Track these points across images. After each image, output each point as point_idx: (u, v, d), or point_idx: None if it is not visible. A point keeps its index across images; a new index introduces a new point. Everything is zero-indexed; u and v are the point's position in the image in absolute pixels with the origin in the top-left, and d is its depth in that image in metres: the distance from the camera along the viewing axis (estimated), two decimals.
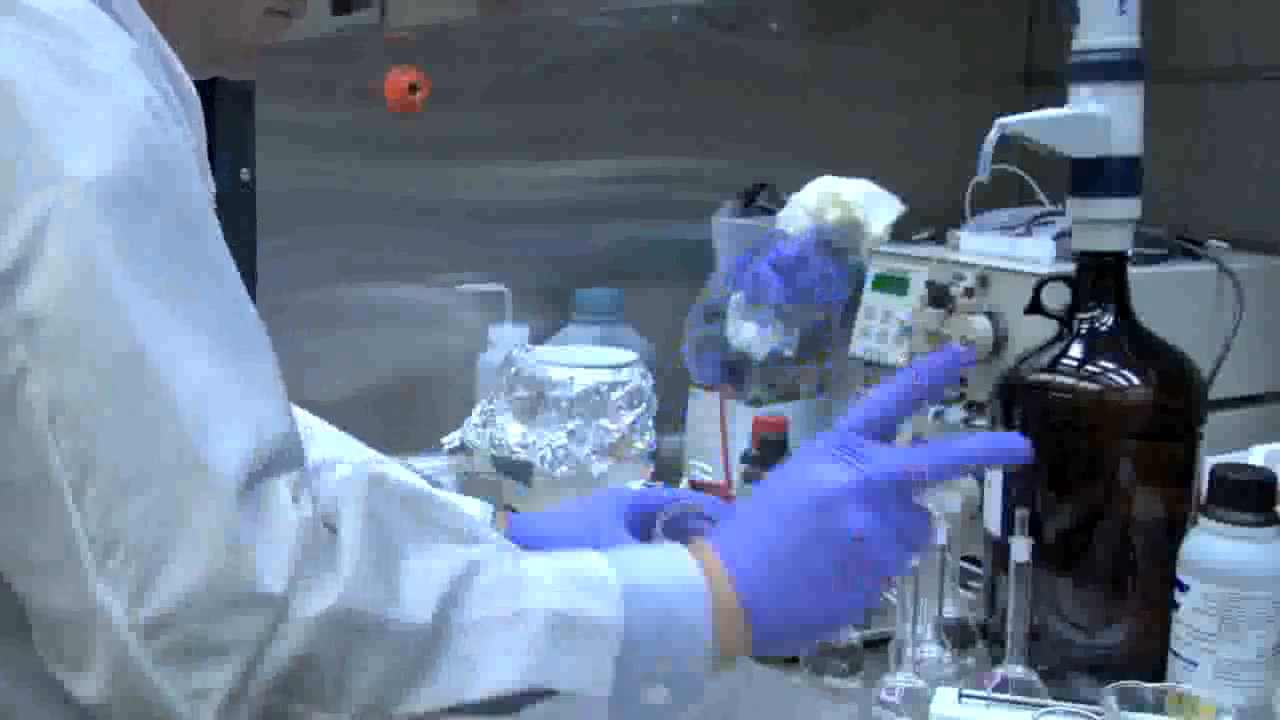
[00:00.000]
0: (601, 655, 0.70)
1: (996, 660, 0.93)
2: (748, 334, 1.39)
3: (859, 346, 1.38)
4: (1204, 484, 0.92)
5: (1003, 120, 0.98)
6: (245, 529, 0.63)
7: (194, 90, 0.77)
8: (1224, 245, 1.34)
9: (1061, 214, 1.26)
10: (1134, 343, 0.99)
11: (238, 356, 0.67)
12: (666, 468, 1.42)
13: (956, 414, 1.24)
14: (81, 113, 0.65)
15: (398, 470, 0.76)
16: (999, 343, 1.20)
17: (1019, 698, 0.87)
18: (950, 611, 0.98)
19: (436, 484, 1.12)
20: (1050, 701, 0.87)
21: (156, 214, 0.66)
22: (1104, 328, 0.98)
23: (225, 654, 0.62)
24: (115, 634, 0.62)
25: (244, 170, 1.41)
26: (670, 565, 0.75)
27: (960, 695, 0.87)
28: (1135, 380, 0.97)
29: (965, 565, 1.03)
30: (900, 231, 1.43)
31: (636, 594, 0.72)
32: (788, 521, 0.75)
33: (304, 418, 1.07)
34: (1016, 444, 0.77)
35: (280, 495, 0.65)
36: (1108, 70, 0.97)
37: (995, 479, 1.01)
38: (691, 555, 0.75)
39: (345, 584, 0.65)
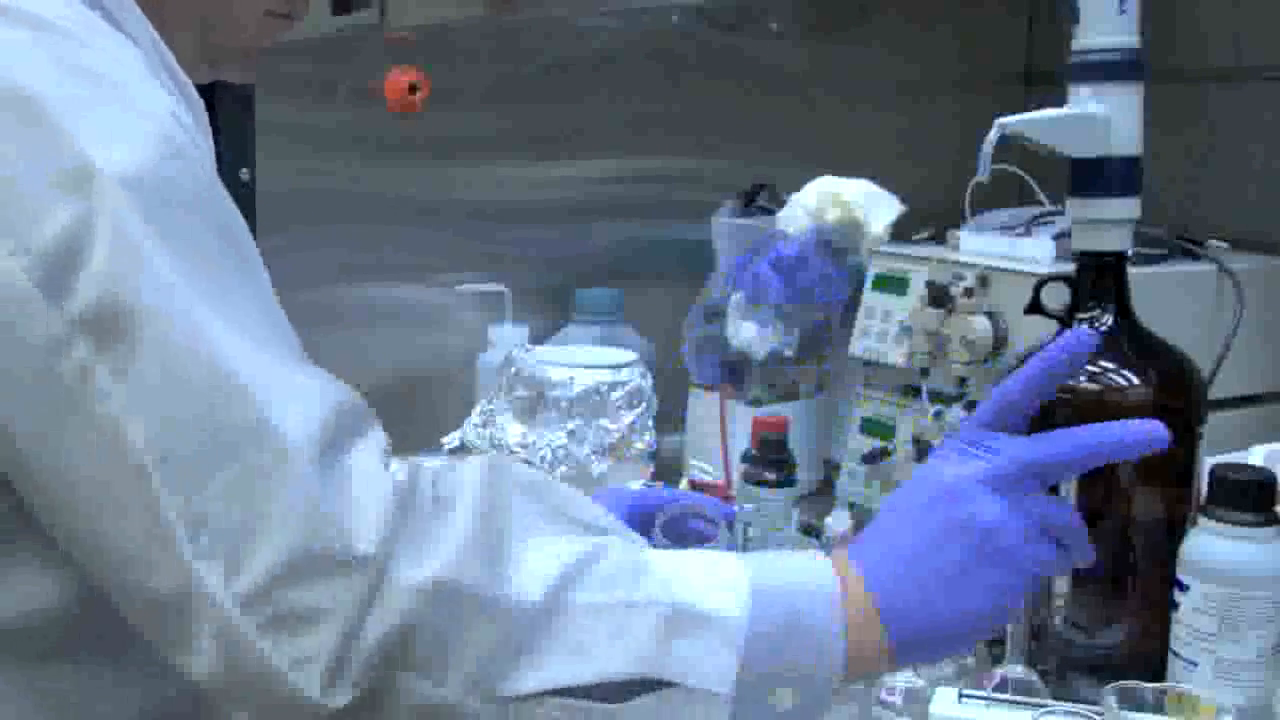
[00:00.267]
0: (723, 650, 0.68)
1: (996, 660, 0.93)
2: (748, 334, 1.39)
3: (859, 346, 1.38)
4: (1204, 484, 0.92)
5: (1003, 120, 0.98)
6: (327, 494, 0.64)
7: (198, 97, 0.77)
8: (1224, 245, 1.34)
9: (1061, 214, 1.26)
10: (1134, 343, 0.99)
11: (280, 343, 0.69)
12: (666, 468, 1.42)
13: (957, 414, 1.24)
14: (107, 115, 0.66)
15: (521, 465, 0.78)
16: (999, 343, 1.20)
17: (1019, 698, 0.87)
18: None
19: None
20: (1050, 701, 0.87)
21: (190, 209, 0.67)
22: (1104, 328, 0.98)
23: (324, 619, 0.63)
24: (218, 609, 0.63)
25: (244, 170, 1.41)
26: (802, 565, 0.73)
27: (960, 695, 0.87)
28: (1135, 380, 0.97)
29: None
30: (900, 231, 1.43)
31: (764, 591, 0.70)
32: (916, 518, 0.73)
33: None
34: (1157, 430, 0.72)
35: (361, 459, 0.67)
36: (1108, 70, 0.97)
37: None
38: (825, 560, 0.73)
39: (453, 554, 0.66)
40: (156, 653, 0.67)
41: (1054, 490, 0.75)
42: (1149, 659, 0.91)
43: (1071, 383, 0.97)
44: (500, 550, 0.67)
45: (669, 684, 0.67)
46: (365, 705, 0.64)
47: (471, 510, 0.68)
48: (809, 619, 0.70)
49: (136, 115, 0.67)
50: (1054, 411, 0.98)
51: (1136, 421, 0.73)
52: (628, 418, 1.32)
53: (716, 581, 0.70)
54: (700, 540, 1.15)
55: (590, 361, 1.33)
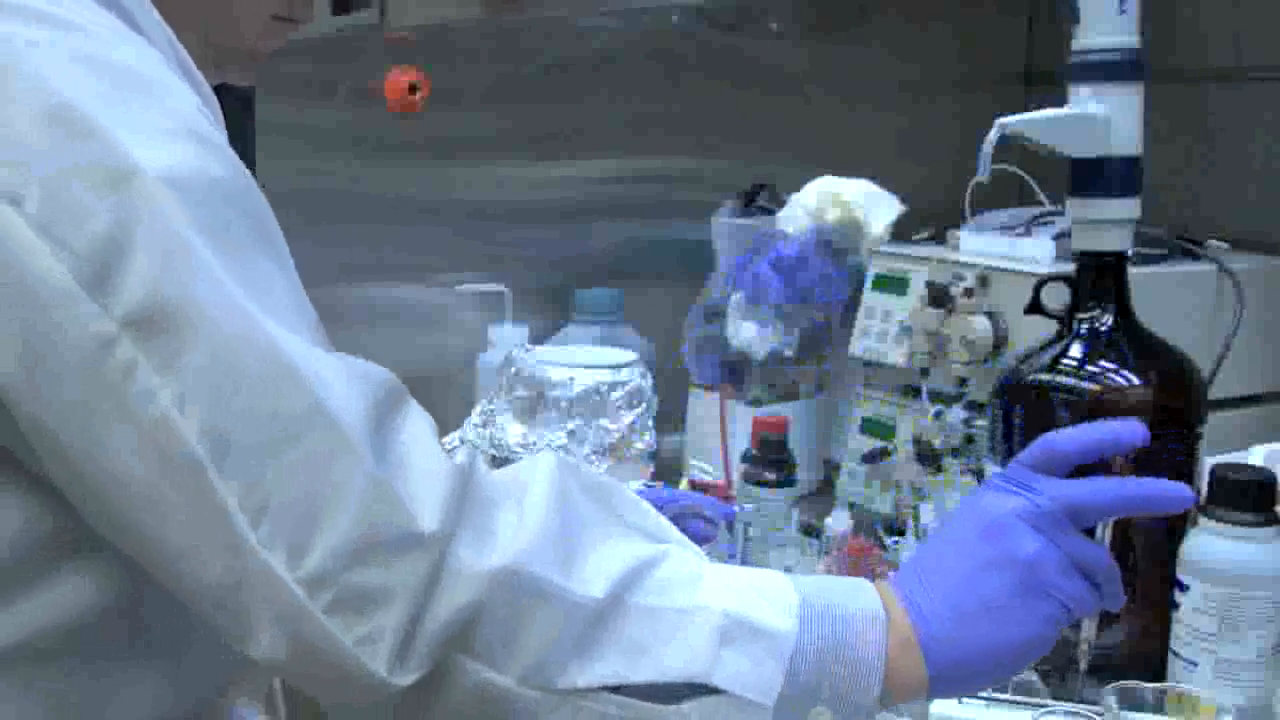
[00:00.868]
0: (770, 662, 0.69)
1: None
2: (748, 334, 1.40)
3: (859, 346, 1.38)
4: (1204, 484, 0.92)
5: (1003, 120, 0.98)
6: (386, 473, 0.66)
7: (214, 95, 0.77)
8: (1224, 245, 1.34)
9: (1061, 214, 1.26)
10: (1134, 343, 0.99)
11: (314, 331, 0.71)
12: (666, 468, 1.42)
13: (957, 414, 1.24)
14: (140, 112, 0.66)
15: (588, 467, 0.79)
16: (999, 343, 1.20)
17: (1019, 698, 0.87)
18: None
19: None
20: (1050, 701, 0.87)
21: (226, 202, 0.68)
22: (1104, 328, 0.98)
23: (390, 599, 0.65)
24: (283, 592, 0.64)
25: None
26: (850, 588, 0.74)
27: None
28: (1135, 380, 0.97)
29: None
30: (900, 231, 1.43)
31: (812, 610, 0.71)
32: (959, 549, 0.75)
33: None
34: (1185, 494, 0.76)
35: (416, 438, 0.69)
36: (1108, 70, 0.97)
37: None
38: (870, 585, 0.75)
39: (525, 544, 0.67)
40: (174, 652, 0.69)
41: (1089, 533, 0.77)
42: (1149, 659, 0.91)
43: (1071, 382, 0.97)
44: (569, 545, 0.69)
45: (715, 691, 0.68)
46: (428, 685, 0.66)
47: (545, 501, 0.70)
48: (853, 641, 0.71)
49: (167, 111, 0.68)
50: (1054, 411, 0.98)
51: (1175, 484, 0.76)
52: (628, 418, 1.32)
53: (768, 596, 0.71)
54: (700, 541, 1.15)
55: (590, 361, 1.33)
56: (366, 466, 0.65)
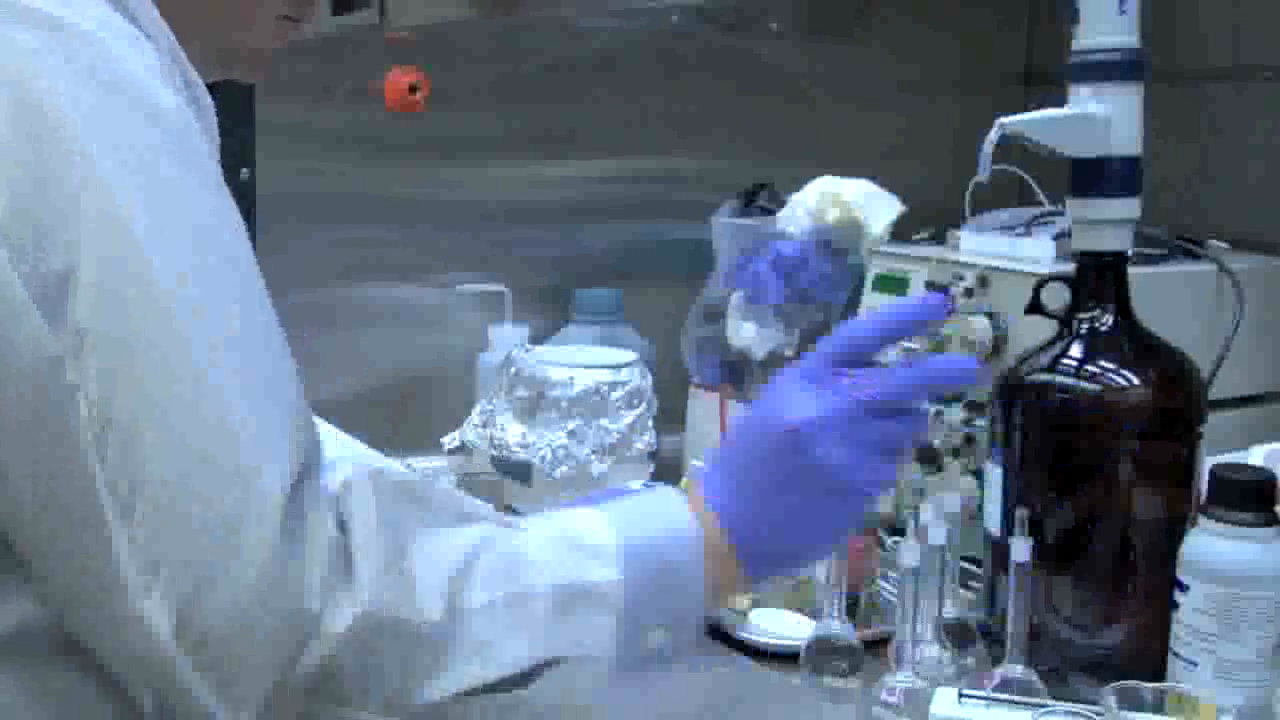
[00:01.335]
0: (604, 618, 0.72)
1: (996, 660, 0.93)
2: (748, 334, 1.39)
3: None
4: (1204, 484, 0.92)
5: (1003, 120, 0.98)
6: (288, 547, 0.64)
7: (210, 101, 0.77)
8: (1224, 245, 1.34)
9: (1061, 214, 1.26)
10: (1134, 343, 0.99)
11: (275, 368, 0.68)
12: (666, 468, 1.42)
13: (957, 414, 1.24)
14: (119, 125, 0.66)
15: (390, 465, 0.78)
16: (999, 343, 1.20)
17: (1019, 698, 0.87)
18: (950, 611, 0.98)
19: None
20: (1050, 701, 0.87)
21: (197, 230, 0.67)
22: (1104, 328, 0.98)
23: (265, 666, 0.64)
24: (162, 649, 0.63)
25: (244, 170, 1.41)
26: (662, 512, 0.77)
27: (960, 695, 0.87)
28: (1135, 380, 0.97)
29: (965, 565, 1.03)
30: (900, 231, 1.43)
31: (635, 552, 0.74)
32: (765, 458, 0.78)
33: None
34: (968, 365, 0.83)
35: (315, 510, 0.67)
36: (1108, 70, 0.97)
37: (995, 479, 1.01)
38: (680, 498, 0.78)
39: (366, 592, 0.66)
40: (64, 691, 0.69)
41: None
42: (1149, 659, 0.91)
43: (1071, 382, 0.97)
44: (401, 569, 0.68)
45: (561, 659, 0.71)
46: None
47: (371, 537, 0.68)
48: (677, 566, 0.75)
49: (154, 129, 0.67)
50: (1054, 411, 0.98)
51: (960, 357, 0.86)
52: (628, 418, 1.32)
53: (589, 550, 0.74)
54: None
55: (590, 361, 1.33)
56: (271, 536, 0.64)
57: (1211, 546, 0.88)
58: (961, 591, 1.02)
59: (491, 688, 0.69)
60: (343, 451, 1.11)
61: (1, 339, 0.63)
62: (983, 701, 0.87)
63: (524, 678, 0.70)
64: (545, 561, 0.72)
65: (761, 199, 1.56)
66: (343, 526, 0.68)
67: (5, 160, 0.64)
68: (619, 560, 0.73)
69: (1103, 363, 0.97)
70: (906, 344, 1.20)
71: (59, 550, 0.65)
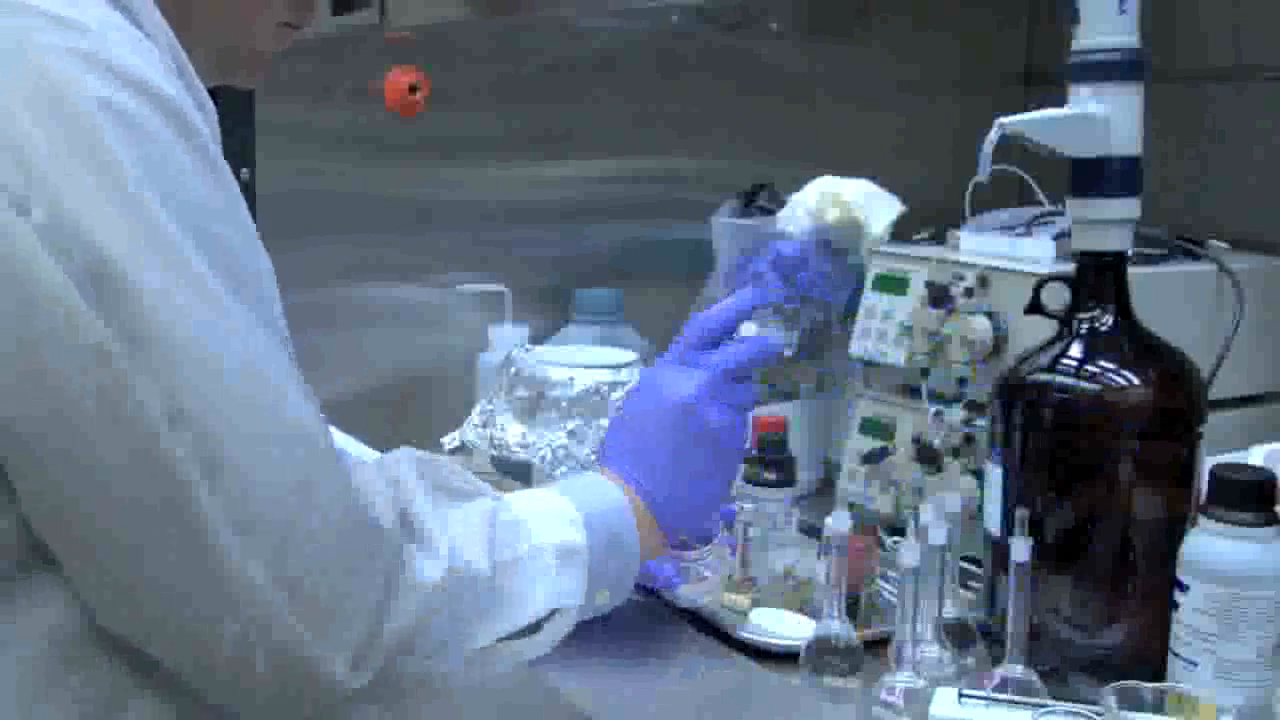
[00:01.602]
0: (579, 573, 0.87)
1: (996, 660, 0.93)
2: (748, 334, 1.39)
3: (859, 346, 1.38)
4: (1204, 484, 0.92)
5: (1003, 120, 0.98)
6: (358, 500, 0.72)
7: (211, 103, 0.78)
8: (1224, 245, 1.33)
9: (1061, 214, 1.26)
10: (1134, 343, 0.99)
11: (288, 349, 0.75)
12: None
13: (956, 414, 1.24)
14: (142, 125, 0.67)
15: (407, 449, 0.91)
16: (999, 343, 1.20)
17: (1019, 698, 0.87)
18: (950, 611, 0.98)
19: None
20: (1050, 701, 0.87)
21: (219, 219, 0.70)
22: (1104, 328, 0.98)
23: (356, 609, 0.71)
24: (261, 602, 0.67)
25: (244, 170, 1.41)
26: (602, 491, 0.92)
27: (960, 695, 0.87)
28: (1135, 380, 0.97)
29: (965, 565, 1.03)
30: (900, 231, 1.43)
31: (590, 521, 0.89)
32: (660, 433, 0.96)
33: None
34: (775, 340, 1.09)
35: (367, 467, 0.78)
36: (1108, 70, 0.97)
37: (995, 479, 1.01)
38: (607, 479, 0.94)
39: (446, 551, 0.77)
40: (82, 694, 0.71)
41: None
42: (1149, 659, 0.91)
43: (1071, 382, 0.97)
44: (451, 530, 0.79)
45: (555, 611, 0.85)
46: (372, 685, 0.73)
47: (426, 500, 0.80)
48: (619, 534, 0.90)
49: (172, 126, 0.69)
50: (1054, 411, 0.98)
51: (769, 335, 1.08)
52: None
53: (563, 518, 0.88)
54: (702, 538, 1.16)
55: (590, 361, 1.33)
56: (340, 480, 0.71)
57: (1211, 546, 0.88)
58: (961, 591, 1.02)
59: (517, 635, 0.82)
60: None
61: (51, 339, 0.64)
62: (983, 701, 0.87)
63: (531, 629, 0.83)
64: (540, 526, 0.86)
65: (761, 199, 1.56)
66: (401, 490, 0.78)
67: (42, 161, 0.65)
68: (582, 526, 0.88)
69: (1103, 363, 0.97)
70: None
71: (154, 532, 0.67)
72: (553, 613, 0.85)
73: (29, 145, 0.65)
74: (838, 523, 0.95)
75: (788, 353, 1.41)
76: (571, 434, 1.30)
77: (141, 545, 0.67)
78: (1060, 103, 0.99)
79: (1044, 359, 0.99)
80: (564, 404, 1.30)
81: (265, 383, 0.69)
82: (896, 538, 1.13)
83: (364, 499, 0.72)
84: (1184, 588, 0.89)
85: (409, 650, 0.74)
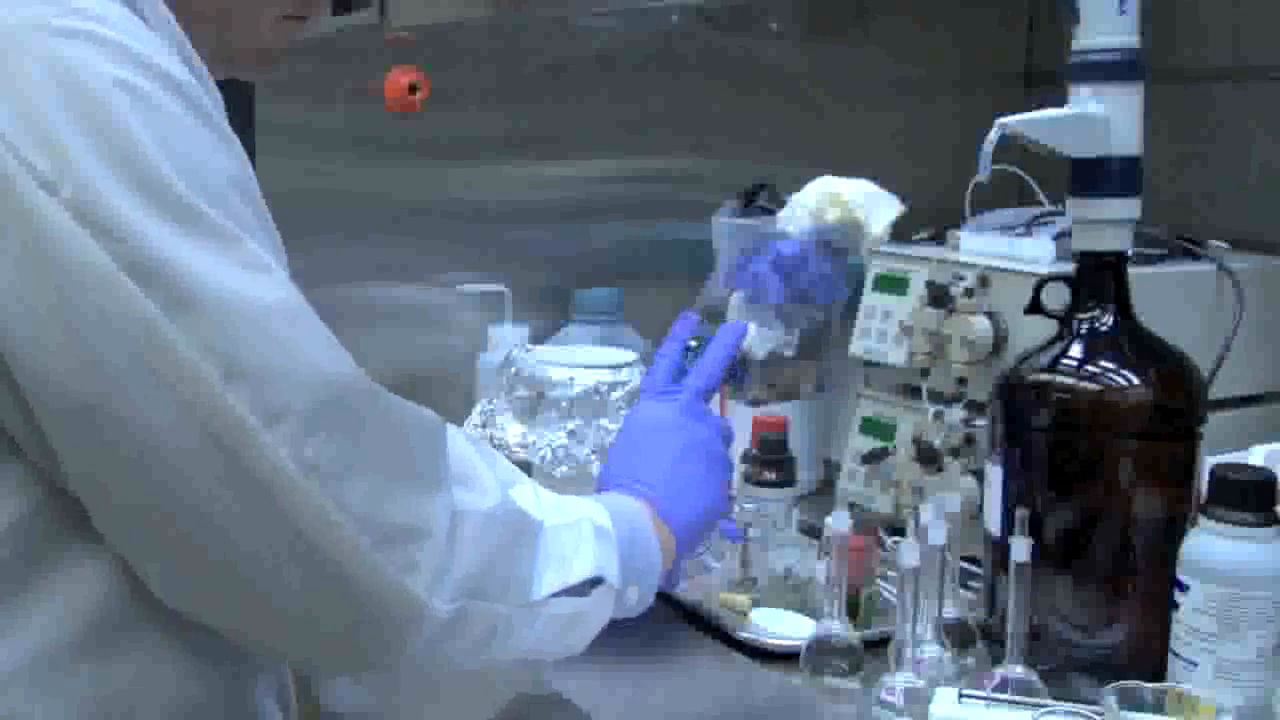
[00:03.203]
0: (613, 553, 0.89)
1: (996, 660, 0.93)
2: (748, 334, 1.39)
3: (859, 346, 1.38)
4: (1204, 484, 0.92)
5: (1003, 120, 0.98)
6: (401, 423, 0.76)
7: (218, 92, 0.78)
8: (1224, 245, 1.33)
9: (1061, 214, 1.26)
10: (1134, 343, 0.99)
11: None
12: None
13: (957, 414, 1.24)
14: (159, 107, 0.68)
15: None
16: (999, 343, 1.20)
17: (1019, 698, 0.87)
18: (950, 611, 0.98)
19: None
20: (1050, 701, 0.87)
21: (238, 192, 0.73)
22: (1104, 328, 0.98)
23: (426, 533, 0.74)
24: (336, 531, 0.70)
25: None
26: (620, 498, 0.95)
27: (960, 695, 0.87)
28: (1135, 380, 0.97)
29: (965, 565, 1.03)
30: (900, 231, 1.43)
31: (615, 516, 0.91)
32: (655, 448, 1.01)
33: None
34: (740, 327, 1.16)
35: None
36: (1108, 70, 0.97)
37: (995, 479, 1.01)
38: (617, 492, 0.96)
39: (497, 487, 0.81)
40: (191, 628, 0.74)
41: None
42: (1149, 659, 0.91)
43: (1071, 382, 0.97)
44: (502, 476, 0.84)
45: (599, 581, 0.87)
46: (457, 622, 0.76)
47: (472, 448, 0.83)
48: (641, 531, 0.92)
49: (189, 109, 0.70)
50: (1054, 411, 0.98)
51: (726, 326, 1.16)
52: None
53: (593, 508, 0.90)
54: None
55: (590, 361, 1.33)
56: (390, 413, 0.75)
57: (1211, 546, 0.88)
58: (961, 591, 1.02)
59: (569, 592, 0.85)
60: None
61: (95, 312, 0.66)
62: (983, 701, 0.87)
63: (586, 591, 0.86)
64: (574, 503, 0.89)
65: (761, 199, 1.56)
66: (440, 438, 0.80)
67: (67, 142, 0.66)
68: (609, 514, 0.90)
69: (1103, 363, 0.97)
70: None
71: (222, 491, 0.68)
72: (598, 582, 0.87)
73: (52, 128, 0.65)
74: (838, 523, 0.95)
75: (788, 353, 1.41)
76: (571, 434, 1.30)
77: (212, 507, 0.68)
78: (1060, 103, 0.99)
79: (1044, 359, 0.99)
80: (564, 404, 1.30)
81: (309, 328, 0.72)
82: (896, 538, 1.13)
83: (411, 433, 0.76)
84: (1184, 588, 0.89)
85: (478, 588, 0.76)
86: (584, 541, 0.86)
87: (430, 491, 0.75)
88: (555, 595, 0.84)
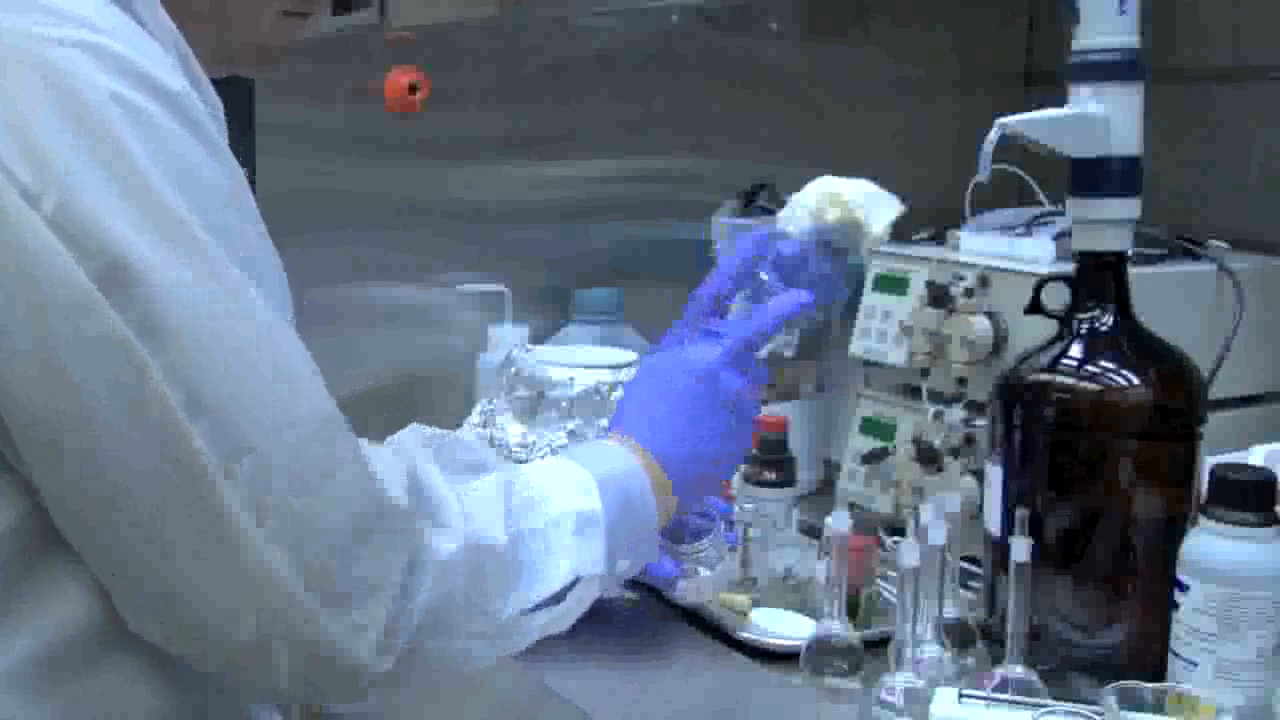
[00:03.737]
0: (598, 540, 0.84)
1: (996, 660, 0.93)
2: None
3: (859, 346, 1.38)
4: (1204, 484, 0.92)
5: (1003, 120, 0.98)
6: (376, 485, 0.71)
7: (218, 99, 0.78)
8: (1224, 245, 1.33)
9: (1061, 214, 1.26)
10: (1134, 343, 0.99)
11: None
12: None
13: (957, 414, 1.24)
14: (151, 118, 0.68)
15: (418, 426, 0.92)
16: (999, 343, 1.20)
17: (1019, 698, 0.87)
18: (950, 611, 0.98)
19: None
20: (1050, 701, 0.87)
21: (229, 207, 0.71)
22: (1104, 328, 0.98)
23: (378, 590, 0.70)
24: (281, 588, 0.67)
25: (244, 170, 1.40)
26: (616, 457, 0.90)
27: (960, 695, 0.87)
28: (1135, 380, 0.97)
29: (965, 565, 1.03)
30: (900, 231, 1.42)
31: (605, 486, 0.86)
32: (680, 398, 0.94)
33: None
34: (804, 297, 1.05)
35: (381, 450, 0.77)
36: (1108, 70, 0.97)
37: (995, 479, 1.01)
38: (622, 445, 0.91)
39: (460, 524, 0.76)
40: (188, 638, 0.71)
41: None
42: (1149, 659, 0.91)
43: (1071, 382, 0.97)
44: (466, 504, 0.78)
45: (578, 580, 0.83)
46: (404, 665, 0.72)
47: (439, 475, 0.78)
48: (635, 499, 0.88)
49: (180, 119, 0.69)
50: (1054, 411, 0.98)
51: (792, 292, 1.06)
52: None
53: (579, 485, 0.86)
54: (698, 534, 1.15)
55: (590, 361, 1.33)
56: (356, 462, 0.70)
57: (1211, 546, 0.88)
58: (961, 591, 1.02)
59: (542, 605, 0.81)
60: None
61: (70, 331, 0.65)
62: (983, 701, 0.87)
63: (562, 597, 0.82)
64: (556, 495, 0.84)
65: (761, 199, 1.56)
66: (409, 471, 0.76)
67: (52, 154, 0.65)
68: (598, 492, 0.86)
69: (1103, 363, 0.97)
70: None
71: (175, 523, 0.67)
72: (575, 582, 0.84)
73: (39, 138, 0.65)
74: (838, 523, 0.95)
75: (788, 353, 1.41)
76: (571, 434, 1.29)
77: (163, 537, 0.67)
78: (1060, 103, 0.99)
79: (1044, 359, 0.99)
80: (564, 404, 1.30)
81: (282, 367, 0.69)
82: (896, 538, 1.13)
83: (380, 480, 0.72)
84: (1184, 588, 0.89)
85: (434, 629, 0.73)
86: (559, 547, 0.82)
87: (391, 547, 0.71)
88: (526, 611, 0.81)
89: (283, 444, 0.67)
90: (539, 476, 0.85)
